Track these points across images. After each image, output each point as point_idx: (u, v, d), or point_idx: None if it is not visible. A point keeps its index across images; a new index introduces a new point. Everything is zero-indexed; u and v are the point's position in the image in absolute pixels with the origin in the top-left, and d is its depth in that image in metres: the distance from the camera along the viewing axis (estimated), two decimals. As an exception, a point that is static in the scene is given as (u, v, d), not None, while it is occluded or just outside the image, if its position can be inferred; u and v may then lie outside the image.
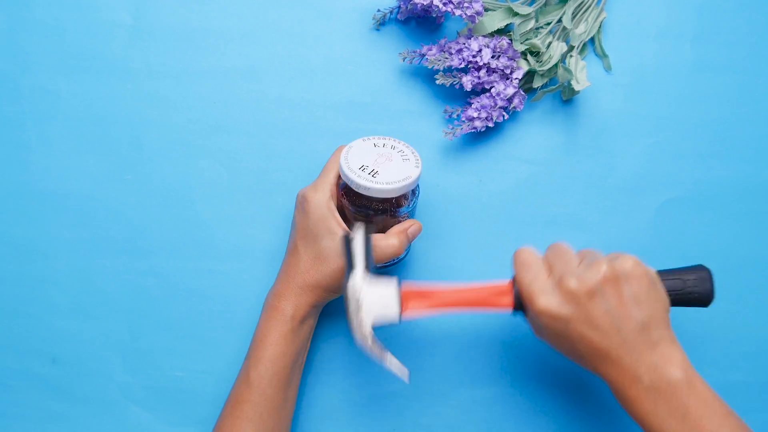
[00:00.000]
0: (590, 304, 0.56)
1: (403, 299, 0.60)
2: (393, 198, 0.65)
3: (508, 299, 0.60)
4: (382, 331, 0.73)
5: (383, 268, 0.72)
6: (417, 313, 0.61)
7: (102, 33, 0.76)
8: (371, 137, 0.68)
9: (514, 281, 0.60)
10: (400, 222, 0.67)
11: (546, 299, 0.57)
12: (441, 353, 0.73)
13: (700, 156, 0.75)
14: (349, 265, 0.60)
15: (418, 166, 0.65)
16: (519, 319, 0.73)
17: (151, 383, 0.74)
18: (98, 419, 0.73)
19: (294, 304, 0.65)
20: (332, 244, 0.64)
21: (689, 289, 0.60)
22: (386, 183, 0.63)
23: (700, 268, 0.61)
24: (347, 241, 0.60)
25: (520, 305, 0.60)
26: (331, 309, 0.73)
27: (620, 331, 0.56)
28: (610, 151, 0.76)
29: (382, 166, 0.64)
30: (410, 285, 0.61)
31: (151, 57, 0.76)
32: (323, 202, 0.65)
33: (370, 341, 0.59)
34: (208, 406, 0.73)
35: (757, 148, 0.75)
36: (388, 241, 0.65)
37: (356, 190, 0.63)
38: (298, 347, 0.66)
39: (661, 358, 0.56)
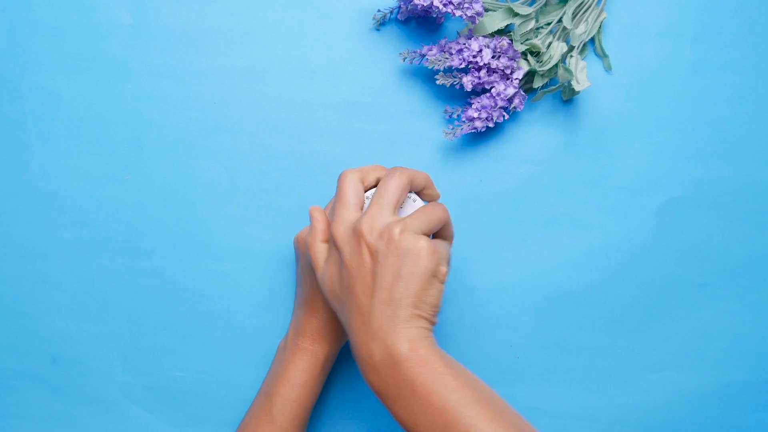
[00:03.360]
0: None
1: None
2: None
3: None
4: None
5: None
6: None
7: (102, 33, 0.76)
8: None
9: None
10: None
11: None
12: (441, 353, 0.73)
13: (700, 156, 0.75)
14: None
15: None
16: (521, 319, 0.73)
17: (151, 383, 0.74)
18: (98, 419, 0.73)
19: (325, 347, 0.66)
20: None
21: None
22: None
23: None
24: None
25: None
26: (331, 309, 0.73)
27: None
28: (610, 151, 0.76)
29: None
30: None
31: (151, 57, 0.76)
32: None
33: None
34: (208, 406, 0.73)
35: (757, 148, 0.75)
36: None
37: None
38: (323, 384, 0.68)
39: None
